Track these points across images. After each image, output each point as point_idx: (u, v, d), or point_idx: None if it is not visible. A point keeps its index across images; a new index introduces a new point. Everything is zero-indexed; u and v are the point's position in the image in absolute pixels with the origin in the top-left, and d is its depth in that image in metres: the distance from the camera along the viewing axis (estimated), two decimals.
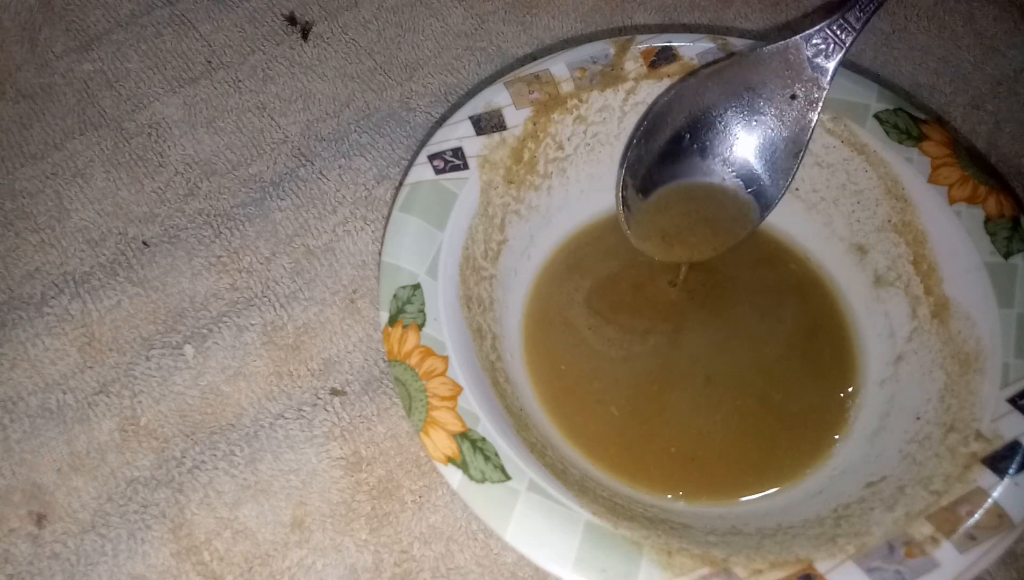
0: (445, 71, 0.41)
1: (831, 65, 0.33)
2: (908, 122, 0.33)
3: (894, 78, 0.41)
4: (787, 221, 0.35)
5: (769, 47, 0.33)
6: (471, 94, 0.35)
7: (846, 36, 0.32)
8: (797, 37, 0.33)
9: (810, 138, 0.33)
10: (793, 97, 0.33)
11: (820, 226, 0.35)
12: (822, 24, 0.33)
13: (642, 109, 0.35)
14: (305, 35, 0.40)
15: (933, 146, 0.33)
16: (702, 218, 0.35)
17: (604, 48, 0.35)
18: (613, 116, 0.35)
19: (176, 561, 0.29)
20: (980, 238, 0.31)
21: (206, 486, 0.31)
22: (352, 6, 0.42)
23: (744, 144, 0.34)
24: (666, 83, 0.35)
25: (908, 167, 0.32)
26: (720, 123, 0.34)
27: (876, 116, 0.33)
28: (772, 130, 0.34)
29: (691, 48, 0.35)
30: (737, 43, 0.35)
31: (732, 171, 0.34)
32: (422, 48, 0.41)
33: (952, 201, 0.32)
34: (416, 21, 0.42)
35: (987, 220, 0.31)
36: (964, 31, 0.42)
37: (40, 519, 0.30)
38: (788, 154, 0.34)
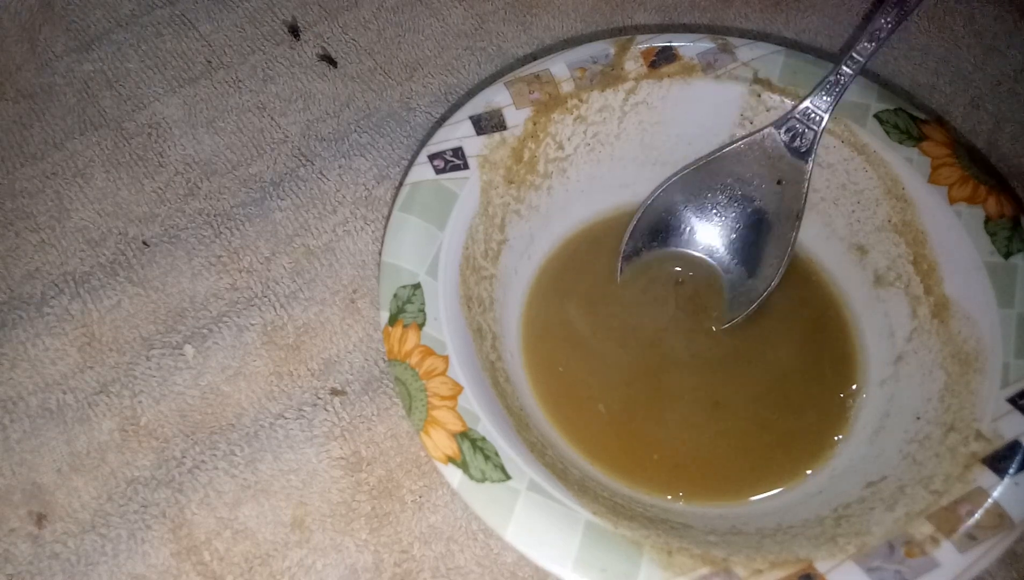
0: (445, 71, 0.41)
1: (809, 148, 0.33)
2: (908, 122, 0.33)
3: (894, 78, 0.41)
4: None
5: (746, 140, 0.34)
6: (471, 94, 0.35)
7: (817, 119, 0.33)
8: (770, 126, 0.34)
9: (802, 214, 0.34)
10: (779, 182, 0.34)
11: (820, 226, 0.35)
12: (791, 110, 0.34)
13: (642, 109, 0.35)
14: (334, 63, 0.40)
15: (933, 146, 0.33)
16: (703, 305, 0.35)
17: (604, 48, 0.35)
18: (613, 116, 0.35)
19: (176, 561, 0.29)
20: (980, 238, 0.31)
21: (206, 486, 0.31)
22: (352, 6, 0.42)
23: (741, 231, 0.35)
24: (666, 83, 0.35)
25: (908, 167, 0.32)
26: (715, 215, 0.35)
27: (876, 116, 0.33)
28: (766, 214, 0.35)
29: (691, 48, 0.35)
30: (737, 43, 0.35)
31: (730, 258, 0.35)
32: (422, 48, 0.41)
33: (952, 201, 0.32)
34: (416, 21, 0.42)
35: (987, 220, 0.31)
36: (964, 31, 0.42)
37: (40, 519, 0.30)
38: (784, 233, 0.34)
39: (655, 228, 0.35)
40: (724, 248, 0.35)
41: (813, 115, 0.33)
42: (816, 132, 0.33)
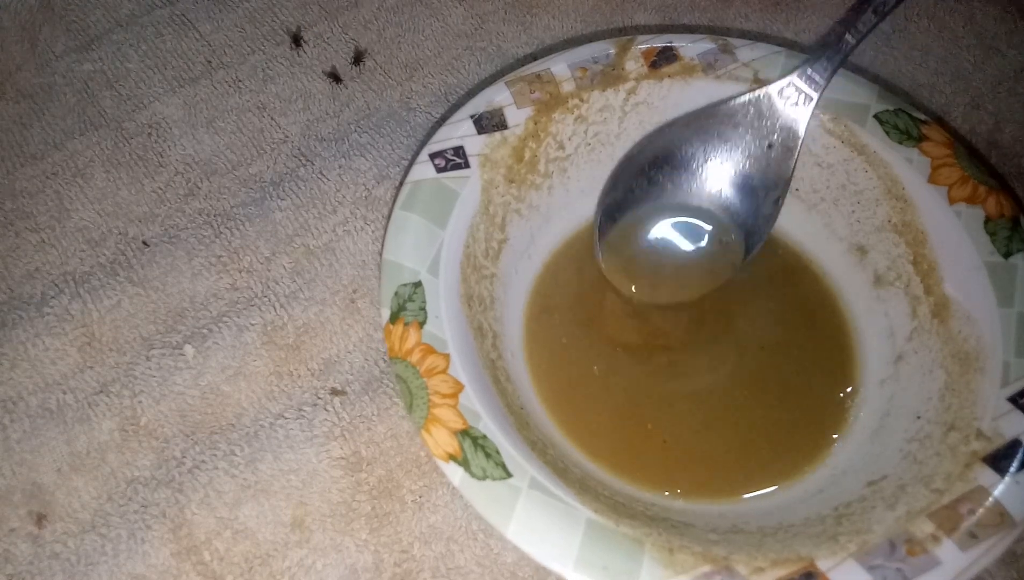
0: (445, 71, 0.41)
1: (804, 114, 0.33)
2: (908, 122, 0.33)
3: (894, 78, 0.41)
4: (787, 221, 0.35)
5: (742, 98, 0.34)
6: (471, 94, 0.35)
7: (813, 89, 0.33)
8: (768, 88, 0.33)
9: (789, 184, 0.33)
10: (770, 146, 0.33)
11: (820, 226, 0.35)
12: (789, 76, 0.33)
13: (643, 109, 0.35)
14: (339, 79, 0.40)
15: (933, 146, 0.33)
16: (683, 262, 0.34)
17: (605, 48, 0.35)
18: (614, 116, 0.35)
19: (176, 561, 0.29)
20: (980, 238, 0.31)
21: (206, 486, 0.31)
22: (352, 6, 0.42)
23: (725, 193, 0.34)
24: (667, 83, 0.35)
25: (908, 167, 0.33)
26: (700, 172, 0.34)
27: (876, 116, 0.33)
28: (752, 179, 0.34)
29: (692, 48, 0.35)
30: (737, 43, 0.35)
31: (713, 218, 0.35)
32: (422, 48, 0.41)
33: (952, 201, 0.32)
34: (416, 21, 0.42)
35: (987, 220, 0.31)
36: (964, 31, 0.42)
37: (40, 519, 0.30)
38: (769, 201, 0.34)
39: (638, 177, 0.34)
40: (710, 208, 0.35)
41: (811, 84, 0.33)
42: (814, 100, 0.33)
